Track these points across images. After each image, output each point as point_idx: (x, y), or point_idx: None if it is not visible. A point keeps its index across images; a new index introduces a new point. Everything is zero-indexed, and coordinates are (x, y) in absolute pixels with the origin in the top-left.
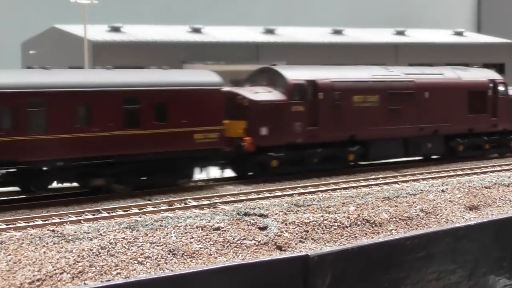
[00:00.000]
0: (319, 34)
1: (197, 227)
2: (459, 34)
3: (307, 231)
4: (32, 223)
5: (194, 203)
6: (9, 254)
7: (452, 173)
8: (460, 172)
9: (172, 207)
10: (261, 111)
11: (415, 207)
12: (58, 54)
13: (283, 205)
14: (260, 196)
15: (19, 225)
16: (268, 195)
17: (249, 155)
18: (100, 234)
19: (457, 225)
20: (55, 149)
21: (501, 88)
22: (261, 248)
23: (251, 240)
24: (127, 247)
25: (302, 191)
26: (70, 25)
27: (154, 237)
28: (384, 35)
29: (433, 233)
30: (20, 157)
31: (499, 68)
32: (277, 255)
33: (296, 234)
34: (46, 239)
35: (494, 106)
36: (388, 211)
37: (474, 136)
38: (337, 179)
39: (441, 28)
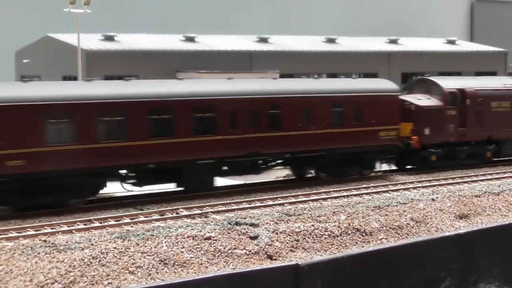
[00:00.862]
0: (313, 43)
1: (188, 237)
2: (452, 42)
3: (297, 240)
4: (24, 233)
5: (185, 212)
6: (1, 264)
7: (443, 182)
8: (451, 181)
9: (163, 216)
10: (425, 115)
11: (406, 216)
12: (52, 63)
13: (274, 214)
14: (251, 205)
15: (11, 235)
16: (259, 204)
17: (414, 151)
18: (92, 244)
19: (447, 233)
20: (286, 144)
21: None
22: (252, 257)
23: (242, 250)
24: (118, 257)
25: (293, 200)
26: (64, 34)
27: (146, 246)
28: (377, 44)
29: (423, 242)
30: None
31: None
32: (267, 264)
33: (287, 243)
34: (38, 249)
35: None
36: (379, 220)
37: None
38: (328, 188)
39: (434, 36)
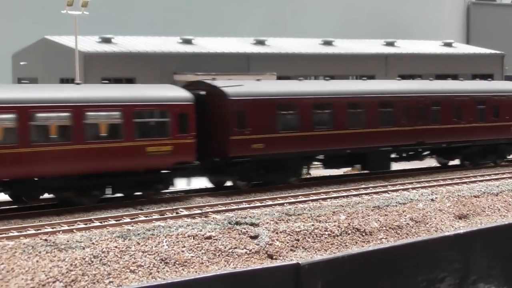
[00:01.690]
0: (310, 45)
1: (188, 236)
2: (448, 45)
3: (298, 240)
4: (24, 232)
5: (185, 212)
6: (2, 263)
7: (442, 182)
8: (449, 182)
9: (163, 216)
10: None
11: (405, 216)
12: (49, 65)
13: (274, 214)
14: (251, 205)
15: (11, 234)
16: (259, 204)
17: None
18: (93, 243)
19: (447, 233)
20: (443, 135)
21: None
22: (253, 257)
23: (242, 249)
24: (119, 255)
25: (292, 200)
26: (61, 36)
27: (146, 246)
28: (374, 46)
29: (423, 242)
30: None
31: (490, 78)
32: (268, 263)
33: (287, 242)
34: (39, 248)
35: None
36: (378, 220)
37: None
38: (327, 189)
39: (430, 39)
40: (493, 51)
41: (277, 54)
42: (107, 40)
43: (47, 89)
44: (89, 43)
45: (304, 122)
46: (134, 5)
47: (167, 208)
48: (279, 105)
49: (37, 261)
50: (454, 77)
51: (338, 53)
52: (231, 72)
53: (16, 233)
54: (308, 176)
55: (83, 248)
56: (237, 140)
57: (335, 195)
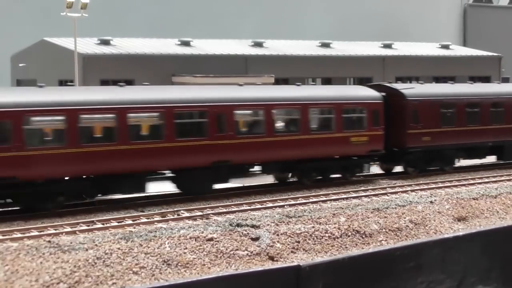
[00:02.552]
0: (307, 47)
1: (190, 238)
2: (446, 47)
3: (298, 242)
4: (28, 234)
5: (186, 214)
6: (7, 265)
7: (440, 185)
8: (448, 184)
9: (165, 218)
10: None
11: (404, 218)
12: (48, 67)
13: (275, 216)
14: (252, 207)
15: (15, 236)
16: (260, 206)
17: None
18: (96, 245)
19: (446, 235)
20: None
21: None
22: (254, 259)
23: (243, 251)
24: (122, 257)
25: (292, 202)
26: (60, 38)
27: (149, 247)
28: (372, 48)
29: (422, 244)
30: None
31: (486, 81)
32: (269, 265)
33: (288, 244)
34: (43, 250)
35: None
36: (378, 222)
37: None
38: (327, 191)
39: (427, 41)
40: (490, 53)
41: (275, 56)
42: (105, 42)
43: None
44: (88, 45)
45: (459, 119)
46: (133, 7)
47: (168, 210)
48: (442, 105)
49: (41, 263)
50: (452, 79)
51: (336, 55)
52: (229, 74)
53: (19, 235)
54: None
55: (86, 250)
56: (412, 134)
57: (334, 197)
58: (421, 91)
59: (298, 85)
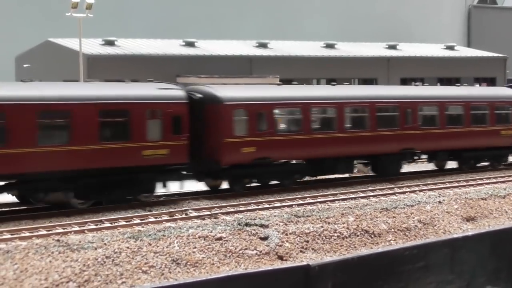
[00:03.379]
0: (312, 48)
1: (199, 237)
2: (451, 48)
3: (307, 241)
4: (36, 233)
5: (194, 213)
6: (16, 263)
7: (448, 185)
8: (456, 184)
9: (173, 217)
10: None
11: (413, 218)
12: (53, 67)
13: (283, 215)
14: (260, 207)
15: (23, 235)
16: (268, 205)
17: None
18: (105, 244)
19: (455, 235)
20: None
21: None
22: (263, 258)
23: (252, 250)
24: (131, 256)
25: (300, 202)
26: (64, 39)
27: (158, 246)
28: (376, 49)
29: (431, 244)
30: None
31: (491, 82)
32: (278, 264)
33: (297, 244)
34: (52, 249)
35: None
36: (387, 222)
37: None
38: (334, 191)
39: (431, 42)
40: (495, 55)
41: (279, 57)
42: (110, 43)
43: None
44: (92, 46)
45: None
46: (137, 8)
47: (176, 210)
48: None
49: (50, 261)
50: (457, 80)
51: (341, 56)
52: (234, 75)
53: (28, 234)
54: None
55: (95, 249)
56: None
57: (342, 197)
58: None
59: (458, 85)
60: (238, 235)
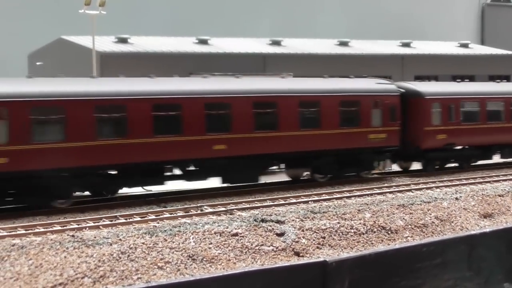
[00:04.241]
0: (325, 46)
1: (215, 233)
2: (465, 46)
3: (324, 238)
4: (51, 229)
5: (210, 209)
6: (30, 259)
7: (465, 182)
8: (473, 181)
9: (188, 213)
10: None
11: (430, 214)
12: (65, 65)
13: (299, 211)
14: (275, 203)
15: (37, 230)
16: (283, 202)
17: None
18: (120, 239)
19: (473, 232)
20: None
21: None
22: (279, 254)
23: (269, 246)
24: (147, 252)
25: (316, 198)
26: (77, 36)
27: (173, 242)
28: (390, 47)
29: (448, 240)
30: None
31: (506, 79)
32: (295, 260)
33: (313, 240)
34: (66, 244)
35: None
36: (404, 218)
37: None
38: (350, 187)
39: (444, 40)
40: (510, 52)
41: (293, 55)
42: (123, 40)
43: None
44: (105, 43)
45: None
46: (150, 6)
47: (191, 206)
48: None
49: (65, 257)
50: (471, 78)
51: (354, 53)
52: (247, 73)
53: (42, 229)
54: None
55: (111, 244)
56: None
57: (358, 193)
58: None
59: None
60: (254, 231)
